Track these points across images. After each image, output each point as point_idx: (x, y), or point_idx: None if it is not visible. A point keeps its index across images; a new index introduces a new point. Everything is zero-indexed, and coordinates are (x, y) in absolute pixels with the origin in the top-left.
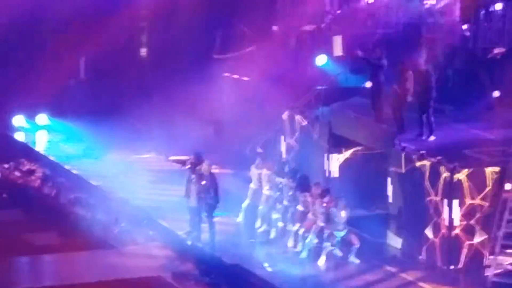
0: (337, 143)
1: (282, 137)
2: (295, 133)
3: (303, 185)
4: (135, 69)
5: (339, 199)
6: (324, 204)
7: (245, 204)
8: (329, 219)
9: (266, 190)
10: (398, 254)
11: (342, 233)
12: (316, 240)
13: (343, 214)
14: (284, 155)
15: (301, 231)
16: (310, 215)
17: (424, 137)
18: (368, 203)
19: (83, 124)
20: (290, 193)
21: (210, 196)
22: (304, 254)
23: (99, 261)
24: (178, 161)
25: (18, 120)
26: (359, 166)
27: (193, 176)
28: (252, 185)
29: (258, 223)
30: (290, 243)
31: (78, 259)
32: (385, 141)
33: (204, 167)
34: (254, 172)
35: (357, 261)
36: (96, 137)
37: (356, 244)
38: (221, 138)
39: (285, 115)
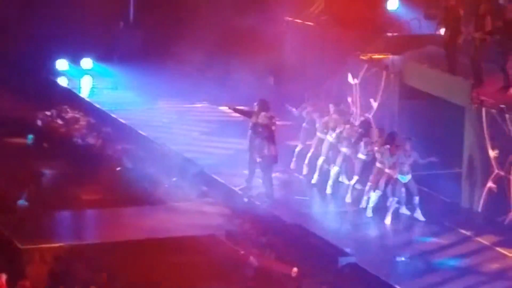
0: (409, 95)
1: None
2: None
3: (366, 131)
4: (188, 12)
5: (407, 140)
6: (392, 152)
7: (309, 155)
8: (395, 165)
9: (330, 137)
10: (475, 216)
11: (407, 178)
12: (379, 193)
13: (411, 157)
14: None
15: (368, 186)
16: (378, 165)
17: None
18: (443, 160)
19: (131, 70)
20: (353, 139)
21: (266, 150)
22: (369, 213)
23: (148, 217)
24: (243, 112)
25: (61, 64)
26: (433, 120)
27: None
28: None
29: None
30: (348, 198)
31: (125, 215)
32: (461, 94)
33: (260, 117)
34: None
35: (422, 218)
36: (146, 84)
37: (416, 195)
38: (281, 87)
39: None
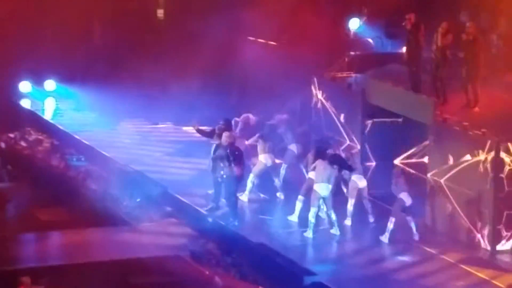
0: (372, 113)
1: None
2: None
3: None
4: (151, 32)
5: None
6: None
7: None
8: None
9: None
10: (439, 235)
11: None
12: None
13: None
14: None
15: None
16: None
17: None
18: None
19: (94, 91)
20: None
21: (229, 170)
22: (336, 231)
23: (112, 238)
24: (203, 133)
25: (25, 86)
26: (397, 138)
27: (217, 146)
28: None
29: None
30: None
31: (89, 236)
32: (425, 112)
33: (224, 137)
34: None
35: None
36: (109, 105)
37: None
38: (244, 107)
39: (314, 83)
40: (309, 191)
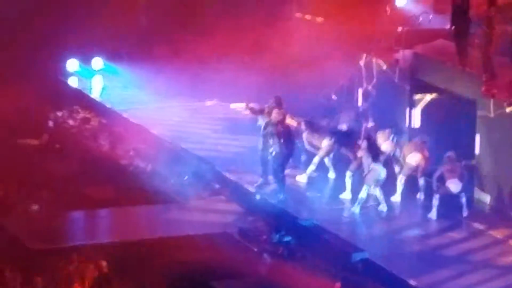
0: (419, 90)
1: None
2: (373, 79)
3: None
4: (197, 11)
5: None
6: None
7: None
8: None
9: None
10: (487, 209)
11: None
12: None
13: None
14: (360, 103)
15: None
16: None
17: None
18: (455, 154)
19: (141, 68)
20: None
21: (278, 147)
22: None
23: (160, 216)
24: (254, 111)
25: (72, 64)
26: (444, 114)
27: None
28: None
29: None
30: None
31: (137, 214)
32: (473, 88)
33: (274, 114)
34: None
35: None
36: (157, 83)
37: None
38: (290, 84)
39: (362, 59)
40: (359, 168)
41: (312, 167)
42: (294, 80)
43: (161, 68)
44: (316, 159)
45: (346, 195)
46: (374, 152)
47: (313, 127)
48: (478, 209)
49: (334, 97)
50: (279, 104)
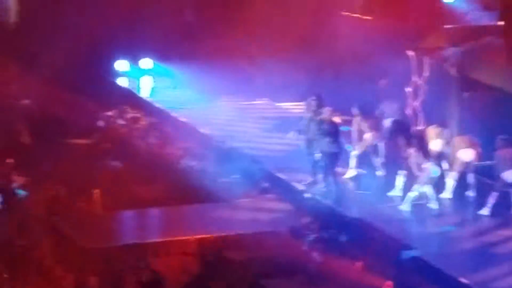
0: (468, 87)
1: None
2: (422, 76)
3: None
4: (245, 8)
5: None
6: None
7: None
8: None
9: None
10: None
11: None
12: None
13: None
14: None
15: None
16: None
17: None
18: None
19: (189, 68)
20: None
21: (328, 146)
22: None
23: (210, 214)
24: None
25: (121, 64)
26: (493, 112)
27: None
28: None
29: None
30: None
31: (187, 213)
32: None
33: (326, 113)
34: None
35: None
36: (204, 82)
37: None
38: (339, 82)
39: (411, 57)
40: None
41: (353, 161)
42: (343, 78)
43: (209, 67)
44: (354, 153)
45: (396, 192)
46: (425, 150)
47: (366, 113)
48: None
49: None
50: (322, 101)
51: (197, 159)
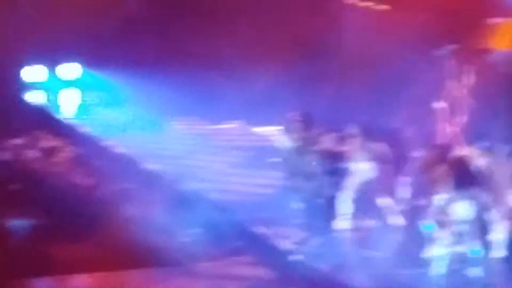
0: None
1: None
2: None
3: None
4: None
5: None
6: None
7: None
8: None
9: None
10: None
11: None
12: None
13: None
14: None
15: None
16: None
17: None
18: None
19: (133, 79)
20: None
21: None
22: None
23: (160, 283)
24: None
25: (34, 72)
26: None
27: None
28: None
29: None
30: None
31: (127, 281)
32: None
33: (325, 141)
34: None
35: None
36: (153, 98)
37: None
38: (344, 97)
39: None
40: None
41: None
42: (350, 90)
43: (160, 77)
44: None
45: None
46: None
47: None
48: None
49: None
50: (310, 121)
51: (141, 206)
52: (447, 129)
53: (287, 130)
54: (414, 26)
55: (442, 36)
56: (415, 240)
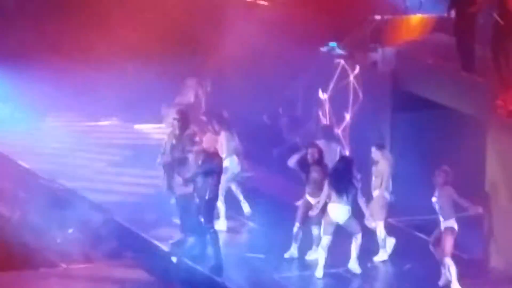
0: (405, 104)
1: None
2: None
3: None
4: None
5: None
6: None
7: None
8: None
9: None
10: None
11: None
12: None
13: None
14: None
15: None
16: None
17: None
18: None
19: (9, 74)
20: None
21: (205, 186)
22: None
23: (32, 287)
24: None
25: None
26: (442, 139)
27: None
28: None
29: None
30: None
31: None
32: (481, 102)
33: (206, 141)
34: None
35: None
36: (26, 92)
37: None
38: (223, 93)
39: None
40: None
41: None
42: (228, 88)
43: (34, 70)
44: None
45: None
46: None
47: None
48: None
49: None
50: (187, 120)
51: (12, 206)
52: (328, 127)
53: (166, 128)
54: (296, 22)
55: (325, 32)
56: (294, 241)
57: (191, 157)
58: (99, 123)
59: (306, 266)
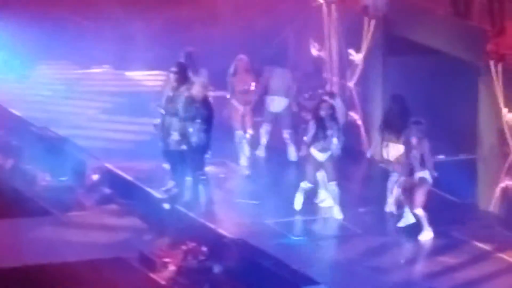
0: (397, 49)
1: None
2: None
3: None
4: None
5: None
6: None
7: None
8: None
9: None
10: (495, 222)
11: None
12: None
13: None
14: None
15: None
16: None
17: None
18: (448, 143)
19: (0, 21)
20: None
21: (195, 135)
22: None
23: (27, 234)
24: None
25: None
26: (433, 84)
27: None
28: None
29: None
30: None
31: None
32: (474, 46)
33: (195, 87)
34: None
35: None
36: (16, 39)
37: None
38: (204, 41)
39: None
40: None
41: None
42: (218, 34)
43: (24, 17)
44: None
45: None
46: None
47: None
48: (483, 221)
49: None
50: (184, 72)
51: (5, 153)
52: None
53: (165, 80)
54: None
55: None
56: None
57: (180, 104)
58: (91, 70)
59: (301, 212)
